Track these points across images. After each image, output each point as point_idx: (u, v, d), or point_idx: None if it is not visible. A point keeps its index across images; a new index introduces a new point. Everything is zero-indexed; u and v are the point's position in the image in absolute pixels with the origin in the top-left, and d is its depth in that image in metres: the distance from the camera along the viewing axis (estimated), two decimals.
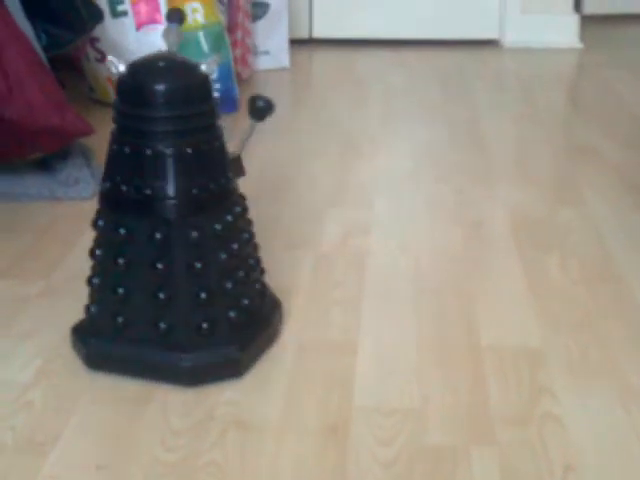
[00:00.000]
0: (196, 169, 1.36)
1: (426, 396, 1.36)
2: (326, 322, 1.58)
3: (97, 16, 2.37)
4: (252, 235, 1.48)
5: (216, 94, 1.42)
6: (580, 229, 1.95)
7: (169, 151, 1.34)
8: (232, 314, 1.40)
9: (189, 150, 1.35)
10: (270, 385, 1.39)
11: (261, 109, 1.44)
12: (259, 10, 3.23)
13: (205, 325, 1.38)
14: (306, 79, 3.36)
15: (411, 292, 1.69)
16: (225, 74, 2.74)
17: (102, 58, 2.68)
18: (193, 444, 1.26)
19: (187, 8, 2.68)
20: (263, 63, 3.27)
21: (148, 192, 1.35)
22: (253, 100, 1.44)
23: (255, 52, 3.24)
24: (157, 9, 2.66)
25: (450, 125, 2.69)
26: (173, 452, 1.24)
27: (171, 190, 1.35)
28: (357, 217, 2.02)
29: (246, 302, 1.43)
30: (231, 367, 1.40)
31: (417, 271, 1.77)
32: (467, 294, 1.67)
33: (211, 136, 1.39)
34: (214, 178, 1.38)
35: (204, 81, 1.38)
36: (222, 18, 2.81)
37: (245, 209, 1.46)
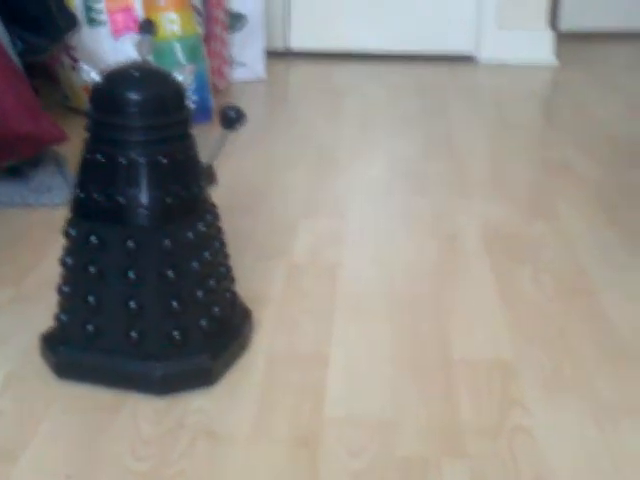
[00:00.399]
0: (169, 178, 1.35)
1: (397, 408, 1.36)
2: (297, 333, 1.57)
3: (72, 23, 2.36)
4: (223, 243, 1.48)
5: (190, 103, 1.42)
6: (554, 243, 1.96)
7: (143, 160, 1.34)
8: (204, 323, 1.40)
9: (163, 159, 1.34)
10: (241, 395, 1.39)
11: (232, 119, 1.44)
12: (236, 21, 3.23)
13: (177, 334, 1.37)
14: (282, 91, 3.36)
15: (384, 304, 1.68)
16: (201, 85, 2.74)
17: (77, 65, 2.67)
18: (163, 453, 1.25)
19: (164, 18, 2.67)
20: (239, 74, 3.27)
21: (121, 200, 1.34)
22: (224, 110, 1.44)
23: (231, 63, 3.24)
24: (133, 19, 2.65)
25: (426, 138, 2.70)
26: (143, 461, 1.23)
27: (144, 199, 1.34)
28: (330, 228, 2.02)
29: (217, 311, 1.42)
30: (203, 376, 1.40)
31: (390, 283, 1.77)
32: (440, 307, 1.67)
33: (185, 145, 1.39)
34: (187, 187, 1.38)
35: (178, 90, 1.38)
36: (199, 29, 2.81)
37: (217, 217, 1.46)
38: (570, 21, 4.04)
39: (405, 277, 1.80)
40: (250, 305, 1.57)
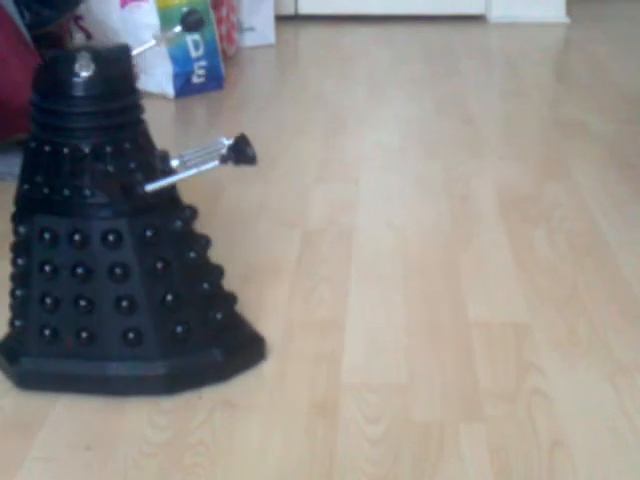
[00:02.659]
0: (116, 168, 1.27)
1: (414, 373, 1.36)
2: (314, 300, 1.58)
3: None
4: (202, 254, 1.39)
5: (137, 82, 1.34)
6: (567, 203, 1.95)
7: (87, 149, 1.26)
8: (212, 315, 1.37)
9: (108, 148, 1.27)
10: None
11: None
12: None
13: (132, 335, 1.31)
14: (292, 56, 3.35)
15: (398, 269, 1.68)
16: (211, 51, 2.73)
17: (87, 36, 2.66)
18: (181, 423, 1.25)
19: None
20: (248, 40, 3.26)
21: (66, 193, 1.28)
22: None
23: (240, 29, 3.22)
24: None
25: (437, 100, 2.68)
26: (162, 431, 1.24)
27: (89, 191, 1.27)
28: (344, 194, 2.02)
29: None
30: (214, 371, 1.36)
31: (404, 247, 1.77)
32: (454, 270, 1.67)
33: (134, 133, 1.30)
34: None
35: (126, 73, 1.31)
36: None
37: (195, 212, 1.38)
38: None
39: (420, 241, 1.80)
40: (266, 273, 1.58)
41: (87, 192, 1.27)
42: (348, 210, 1.93)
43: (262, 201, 1.96)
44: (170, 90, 2.65)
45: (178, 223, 1.32)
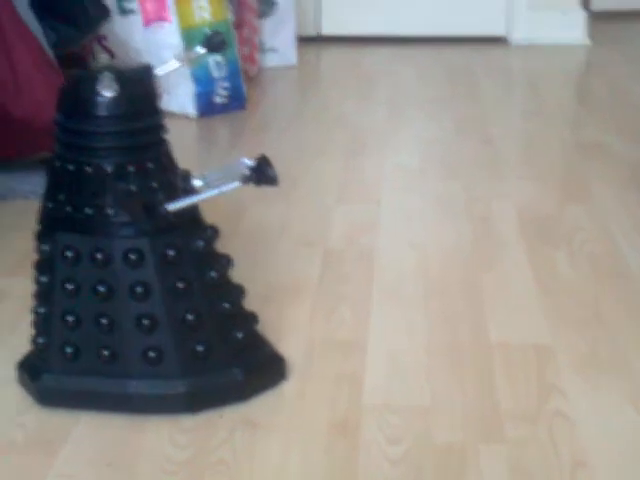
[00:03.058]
0: (138, 187, 1.28)
1: (435, 394, 1.36)
2: (335, 320, 1.58)
3: (104, 14, 2.37)
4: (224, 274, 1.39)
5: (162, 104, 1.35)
6: (589, 225, 1.95)
7: (110, 168, 1.27)
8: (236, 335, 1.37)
9: (131, 168, 1.28)
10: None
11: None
12: (266, 7, 3.23)
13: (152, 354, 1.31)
14: (313, 76, 3.36)
15: (419, 289, 1.68)
16: (233, 72, 2.74)
17: (110, 56, 2.68)
18: (202, 442, 1.26)
19: (194, 5, 2.68)
20: (270, 60, 3.27)
21: (88, 211, 1.28)
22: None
23: (262, 49, 3.23)
24: (164, 7, 2.66)
25: (458, 122, 2.69)
26: (182, 450, 1.24)
27: (112, 210, 1.28)
28: (365, 214, 2.02)
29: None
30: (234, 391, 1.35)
31: (425, 268, 1.77)
32: (475, 291, 1.67)
33: (157, 153, 1.32)
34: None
35: (150, 94, 1.31)
36: (229, 15, 2.81)
37: (217, 232, 1.39)
38: (602, 0, 4.00)
39: (440, 262, 1.80)
40: (287, 292, 1.58)
41: (109, 211, 1.28)
42: (369, 230, 1.93)
43: (283, 221, 1.97)
44: (192, 110, 2.66)
45: (200, 243, 1.32)
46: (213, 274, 1.33)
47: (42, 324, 1.35)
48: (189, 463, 1.21)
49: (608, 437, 1.27)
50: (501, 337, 1.52)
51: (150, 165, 1.30)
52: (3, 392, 1.37)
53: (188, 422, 1.30)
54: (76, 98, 1.29)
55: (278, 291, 1.66)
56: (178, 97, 2.66)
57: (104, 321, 1.30)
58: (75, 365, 1.32)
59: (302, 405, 1.34)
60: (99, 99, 1.27)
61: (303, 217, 2.00)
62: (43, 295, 1.34)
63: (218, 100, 2.71)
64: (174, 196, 1.31)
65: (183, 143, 2.54)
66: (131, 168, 1.28)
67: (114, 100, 1.27)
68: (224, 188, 1.29)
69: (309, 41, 3.58)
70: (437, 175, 2.28)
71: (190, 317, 1.31)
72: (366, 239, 1.89)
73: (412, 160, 2.38)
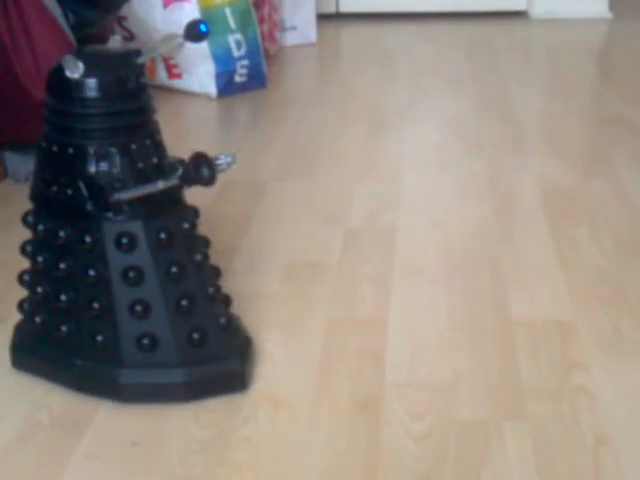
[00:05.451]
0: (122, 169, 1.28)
1: (457, 371, 1.37)
2: (357, 298, 1.58)
3: None
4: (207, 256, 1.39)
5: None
6: (611, 199, 1.94)
7: (91, 150, 1.27)
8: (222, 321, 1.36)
9: (112, 149, 1.27)
10: (302, 361, 1.40)
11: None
12: None
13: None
14: (333, 54, 3.35)
15: (441, 267, 1.69)
16: (253, 50, 2.74)
17: (130, 37, 2.69)
18: (227, 420, 1.26)
19: None
20: (290, 39, 3.27)
21: (69, 192, 1.29)
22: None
23: (282, 28, 3.23)
24: None
25: (479, 98, 2.68)
26: (207, 429, 1.25)
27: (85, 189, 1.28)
28: (386, 192, 2.02)
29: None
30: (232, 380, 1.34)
31: (447, 245, 1.77)
32: (497, 268, 1.67)
33: (142, 134, 1.30)
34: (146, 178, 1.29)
35: (133, 76, 1.29)
36: None
37: (198, 213, 1.38)
38: None
39: (463, 239, 1.80)
40: (309, 271, 1.58)
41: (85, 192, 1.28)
42: (390, 208, 1.93)
43: (304, 200, 1.97)
44: (212, 89, 2.66)
45: (186, 225, 1.32)
46: (199, 257, 1.33)
47: (40, 304, 1.35)
48: (214, 442, 1.22)
49: (631, 414, 1.27)
50: (524, 314, 1.52)
51: (134, 147, 1.28)
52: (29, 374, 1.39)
53: (212, 401, 1.31)
54: (59, 80, 1.29)
55: (300, 270, 1.67)
56: (199, 77, 2.66)
57: (96, 305, 1.29)
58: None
59: (325, 383, 1.35)
60: (80, 81, 1.26)
61: (324, 196, 2.00)
62: (41, 274, 1.34)
63: (238, 79, 2.71)
64: (159, 178, 1.29)
65: (204, 122, 2.55)
66: (113, 149, 1.27)
67: (92, 82, 1.26)
68: (149, 187, 1.27)
69: (328, 18, 3.57)
70: (458, 152, 2.27)
71: (184, 302, 1.30)
72: (387, 217, 1.89)
73: (433, 137, 2.38)
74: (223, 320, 1.34)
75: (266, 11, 3.00)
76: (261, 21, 2.92)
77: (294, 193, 2.00)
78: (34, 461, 1.20)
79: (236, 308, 1.43)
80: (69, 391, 1.33)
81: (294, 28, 3.27)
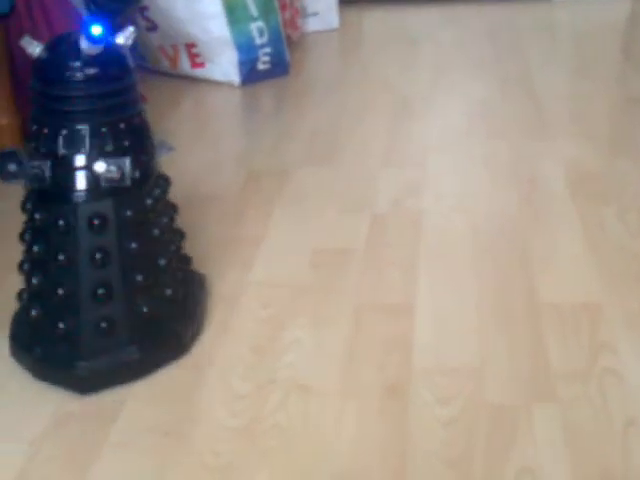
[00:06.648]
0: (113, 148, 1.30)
1: (485, 355, 1.37)
2: (383, 284, 1.58)
3: None
4: (173, 220, 1.43)
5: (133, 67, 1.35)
6: (637, 180, 1.93)
7: (84, 131, 1.29)
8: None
9: (103, 128, 1.29)
10: (330, 348, 1.40)
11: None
12: None
13: (104, 324, 1.33)
14: (356, 39, 3.34)
15: (468, 251, 1.68)
16: (275, 37, 2.74)
17: (153, 27, 2.69)
18: (256, 408, 1.27)
19: None
20: (312, 25, 3.26)
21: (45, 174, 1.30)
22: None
23: (304, 14, 3.23)
24: None
25: (503, 81, 2.67)
26: (237, 417, 1.26)
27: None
28: (411, 177, 2.02)
29: (169, 292, 1.40)
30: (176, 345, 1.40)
31: (473, 230, 1.76)
32: (525, 251, 1.67)
33: (128, 114, 1.33)
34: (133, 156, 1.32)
35: (118, 58, 1.32)
36: None
37: (165, 191, 1.41)
38: None
39: (489, 223, 1.80)
40: (336, 258, 1.58)
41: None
42: (415, 193, 1.93)
43: (329, 186, 1.97)
44: (236, 78, 2.66)
45: (149, 201, 1.35)
46: (156, 231, 1.36)
47: (24, 288, 1.38)
48: (244, 429, 1.23)
49: None
50: (551, 296, 1.52)
51: (122, 126, 1.31)
52: None
53: (242, 388, 1.31)
54: (47, 65, 1.30)
55: (326, 257, 1.67)
56: (222, 65, 2.66)
57: (60, 292, 1.31)
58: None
59: (353, 369, 1.35)
60: (68, 65, 1.28)
61: (349, 181, 2.00)
62: (24, 258, 1.36)
63: (261, 67, 2.71)
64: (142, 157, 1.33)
65: (228, 111, 2.55)
66: (104, 129, 1.29)
67: (82, 65, 1.28)
68: None
69: (350, 4, 3.56)
70: (483, 135, 2.26)
71: (139, 279, 1.33)
72: (413, 201, 1.89)
73: (458, 120, 2.37)
74: (168, 291, 1.38)
75: None
76: (283, 8, 2.91)
77: (319, 179, 2.01)
78: (66, 451, 1.21)
79: (262, 296, 1.44)
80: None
81: (316, 14, 3.26)
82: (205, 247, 1.64)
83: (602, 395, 1.26)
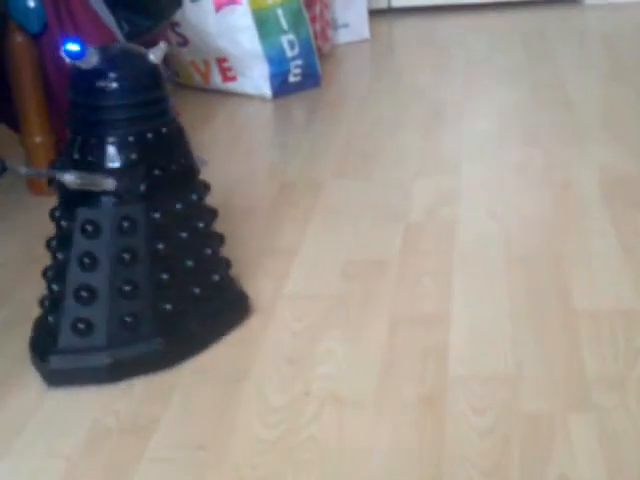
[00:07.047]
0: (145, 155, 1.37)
1: (521, 363, 1.36)
2: (418, 293, 1.58)
3: (177, 2, 2.39)
4: (210, 225, 1.48)
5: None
6: None
7: (113, 140, 1.36)
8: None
9: (131, 138, 1.36)
10: (365, 358, 1.40)
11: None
12: None
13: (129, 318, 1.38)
14: (387, 49, 3.35)
15: (502, 259, 1.68)
16: (306, 49, 2.74)
17: (184, 42, 2.71)
18: (292, 420, 1.27)
19: None
20: (343, 36, 3.26)
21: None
22: None
23: (335, 25, 3.23)
24: None
25: (535, 87, 2.66)
26: (272, 429, 1.26)
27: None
28: (444, 185, 2.01)
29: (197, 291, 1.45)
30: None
31: (507, 237, 1.76)
32: (559, 258, 1.66)
33: (159, 124, 1.39)
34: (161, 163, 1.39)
35: (152, 69, 1.40)
36: None
37: (202, 197, 1.45)
38: None
39: (523, 231, 1.79)
40: (370, 269, 1.58)
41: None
42: (450, 201, 1.92)
43: (363, 196, 1.97)
44: (267, 91, 2.67)
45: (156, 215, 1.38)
46: (160, 245, 1.40)
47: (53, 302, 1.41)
48: (279, 442, 1.23)
49: None
50: (586, 303, 1.51)
51: (150, 136, 1.37)
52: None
53: (277, 401, 1.31)
54: (83, 77, 1.38)
55: (360, 266, 1.67)
56: (253, 79, 2.67)
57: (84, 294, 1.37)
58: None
59: (389, 379, 1.35)
60: (102, 77, 1.36)
61: (383, 191, 2.00)
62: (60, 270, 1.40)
63: (293, 79, 2.72)
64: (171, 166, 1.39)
65: (260, 124, 2.56)
66: (131, 138, 1.36)
67: (116, 77, 1.36)
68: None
69: (380, 14, 3.56)
70: (516, 142, 2.26)
71: (127, 288, 1.37)
72: (447, 210, 1.89)
73: (490, 128, 2.36)
74: (197, 290, 1.43)
75: (318, 10, 3.01)
76: (313, 20, 2.92)
77: (353, 190, 2.01)
78: (104, 467, 1.22)
79: (296, 308, 1.44)
80: (136, 396, 1.35)
81: (346, 25, 3.26)
82: (240, 258, 1.64)
83: (639, 403, 1.25)
